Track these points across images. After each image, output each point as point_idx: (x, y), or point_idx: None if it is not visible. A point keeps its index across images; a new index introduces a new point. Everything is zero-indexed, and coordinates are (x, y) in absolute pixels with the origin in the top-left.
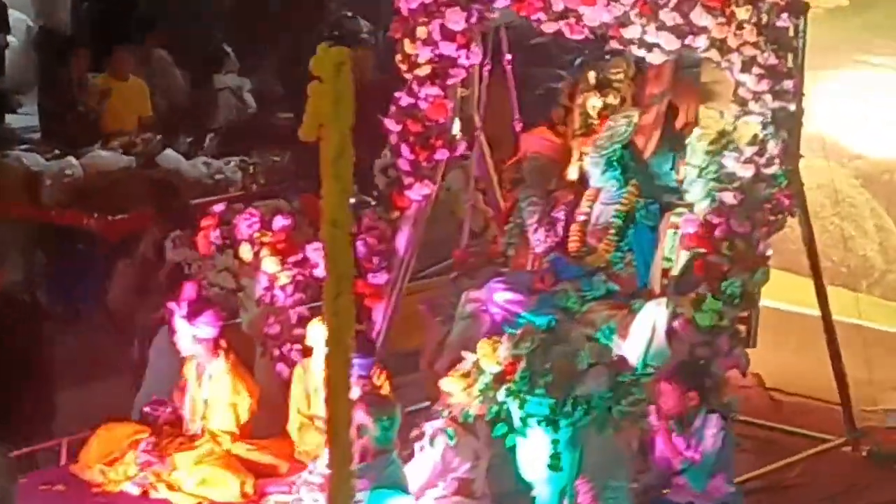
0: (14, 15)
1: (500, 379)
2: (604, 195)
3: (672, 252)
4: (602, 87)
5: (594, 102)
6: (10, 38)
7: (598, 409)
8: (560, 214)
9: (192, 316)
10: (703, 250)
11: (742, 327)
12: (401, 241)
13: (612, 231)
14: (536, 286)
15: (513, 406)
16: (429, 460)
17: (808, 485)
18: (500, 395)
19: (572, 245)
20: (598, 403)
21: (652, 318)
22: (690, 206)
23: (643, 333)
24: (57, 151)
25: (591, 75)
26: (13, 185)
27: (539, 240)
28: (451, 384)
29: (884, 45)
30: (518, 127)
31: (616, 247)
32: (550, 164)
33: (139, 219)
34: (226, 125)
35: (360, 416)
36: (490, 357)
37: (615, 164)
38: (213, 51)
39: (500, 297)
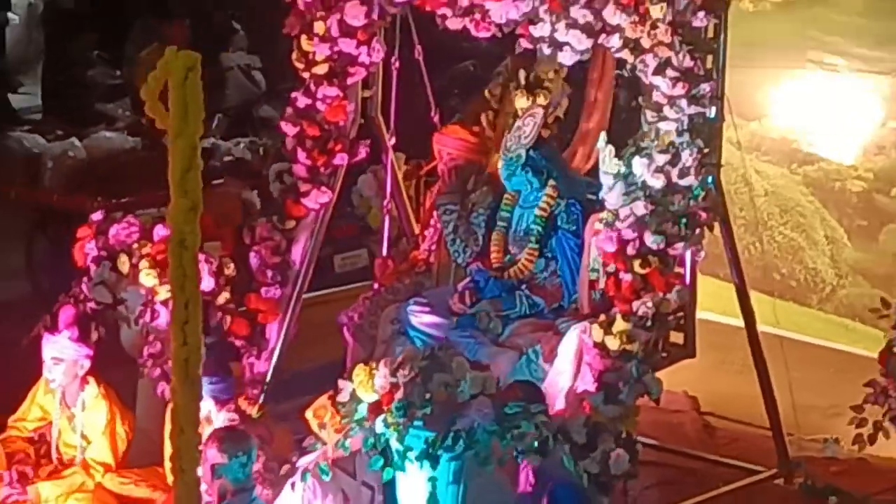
0: None
1: (376, 409)
2: (522, 199)
3: (597, 262)
4: (532, 87)
5: (521, 103)
6: (10, 16)
7: (482, 443)
8: (481, 220)
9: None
10: (614, 267)
11: (679, 335)
12: (297, 252)
13: (533, 239)
14: (456, 307)
15: (391, 438)
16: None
17: None
18: (377, 426)
19: (494, 256)
20: (482, 437)
21: (575, 341)
22: (615, 213)
23: (569, 359)
24: (59, 132)
25: (522, 74)
26: (13, 168)
27: (458, 251)
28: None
29: (834, 42)
30: (436, 120)
31: (538, 256)
32: (467, 164)
33: (145, 202)
34: (235, 105)
35: (212, 454)
36: (366, 385)
37: (526, 166)
38: (221, 27)
39: (417, 319)
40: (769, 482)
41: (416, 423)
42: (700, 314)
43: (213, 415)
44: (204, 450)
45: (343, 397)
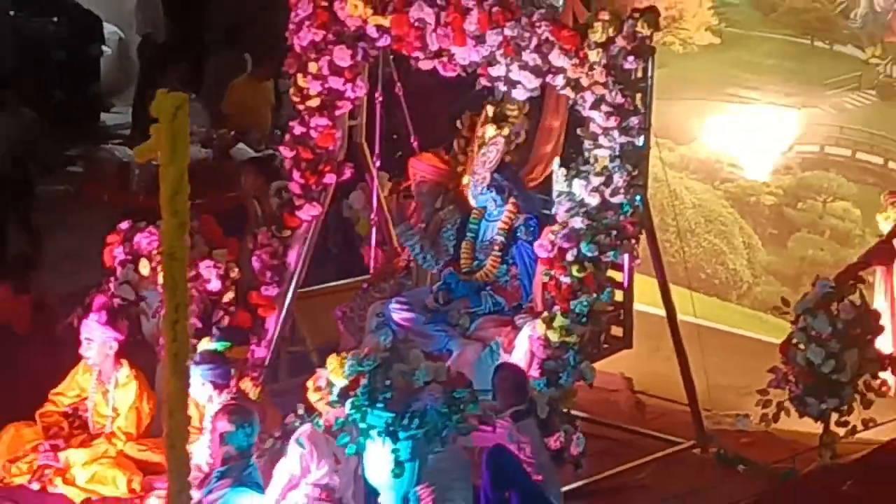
0: (108, 28)
1: (345, 393)
2: (487, 214)
3: None
4: (498, 119)
5: (490, 133)
6: (104, 48)
7: (433, 422)
8: (450, 234)
9: (107, 324)
10: (555, 272)
11: (619, 330)
12: (291, 257)
13: (497, 247)
14: (431, 305)
15: (357, 418)
16: (287, 464)
17: (656, 485)
18: (346, 407)
19: (464, 262)
20: (433, 418)
21: (528, 335)
22: (565, 224)
23: (523, 350)
24: None
25: (490, 109)
26: (107, 174)
27: (429, 263)
28: (312, 396)
29: (751, 79)
30: (415, 146)
31: (501, 261)
32: (436, 187)
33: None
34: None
35: (222, 424)
36: (337, 372)
37: (490, 186)
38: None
39: (397, 315)
40: (688, 452)
41: (377, 405)
42: (639, 307)
43: (215, 397)
44: (214, 421)
45: (320, 382)
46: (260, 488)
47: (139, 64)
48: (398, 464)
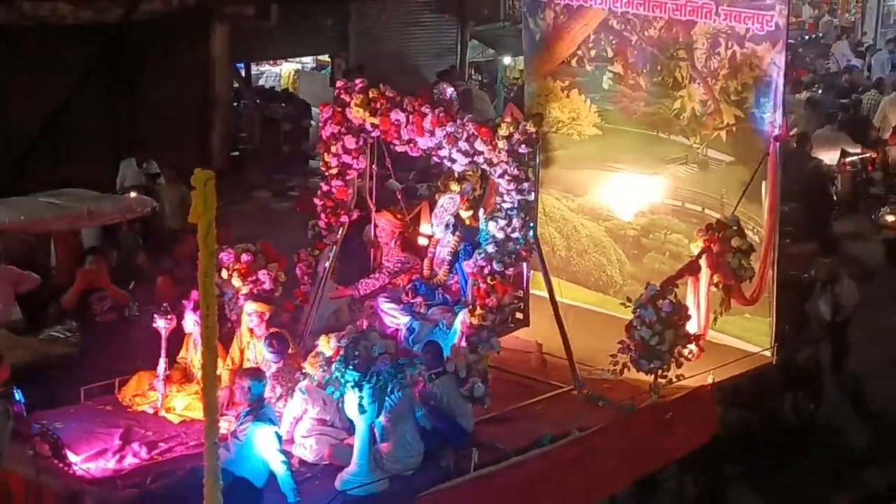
0: (314, 110)
1: (329, 359)
2: (441, 241)
3: None
4: (461, 179)
5: (454, 187)
6: (311, 122)
7: (384, 379)
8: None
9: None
10: (478, 281)
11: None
12: (320, 268)
13: (446, 264)
14: (404, 299)
15: (338, 376)
16: (293, 406)
17: (545, 414)
18: (331, 368)
19: (426, 272)
20: (384, 376)
21: (461, 320)
22: (484, 251)
23: (458, 328)
24: None
25: (455, 172)
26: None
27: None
28: (311, 361)
29: (621, 157)
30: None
31: (449, 272)
32: (391, 233)
33: None
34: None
35: (247, 381)
36: (326, 346)
37: (447, 224)
38: None
39: (383, 305)
40: (568, 393)
41: (349, 368)
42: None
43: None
44: (240, 380)
45: (316, 351)
46: (273, 422)
47: None
48: (362, 405)
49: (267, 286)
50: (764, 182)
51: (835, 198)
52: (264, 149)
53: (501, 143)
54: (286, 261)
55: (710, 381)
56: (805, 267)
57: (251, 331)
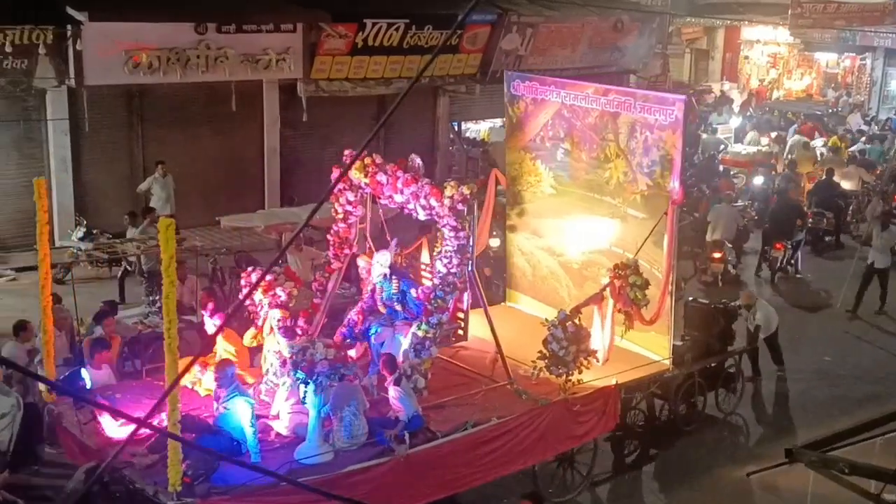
0: None
1: (285, 362)
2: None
3: None
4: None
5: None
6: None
7: (322, 378)
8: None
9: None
10: (427, 303)
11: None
12: (329, 285)
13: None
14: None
15: (295, 374)
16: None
17: (481, 402)
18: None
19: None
20: (322, 378)
21: (412, 332)
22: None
23: (409, 338)
24: None
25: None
26: None
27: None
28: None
29: (572, 211)
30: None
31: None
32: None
33: None
34: None
35: (228, 369)
36: (285, 349)
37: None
38: None
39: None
40: (503, 387)
41: (298, 369)
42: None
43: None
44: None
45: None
46: (246, 396)
47: None
48: (306, 397)
49: (283, 299)
50: (665, 234)
51: (851, 209)
52: (467, 177)
53: (447, 201)
54: (302, 281)
55: (614, 382)
56: None
57: (271, 328)
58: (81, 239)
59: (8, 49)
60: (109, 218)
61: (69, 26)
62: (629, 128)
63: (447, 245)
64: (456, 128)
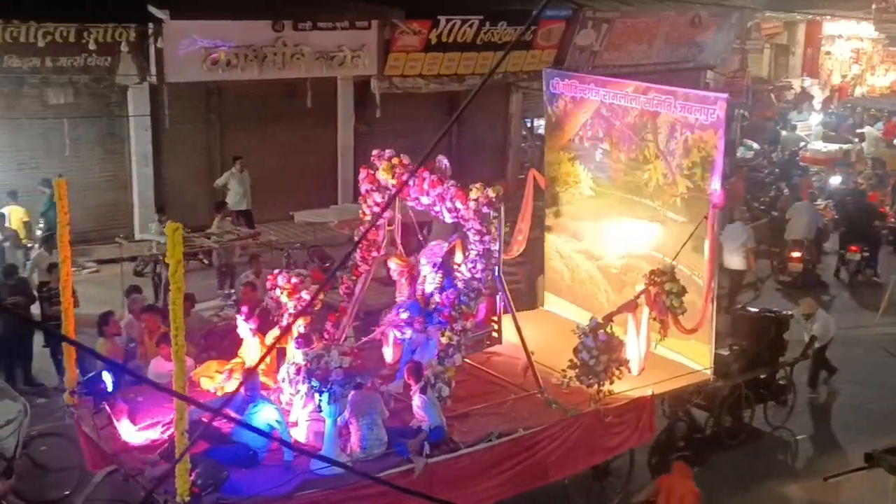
0: None
1: (299, 370)
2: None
3: None
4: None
5: None
6: None
7: (336, 387)
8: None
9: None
10: (450, 308)
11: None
12: (357, 288)
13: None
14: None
15: (311, 382)
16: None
17: (510, 411)
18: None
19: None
20: (336, 387)
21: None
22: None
23: (434, 344)
24: None
25: None
26: None
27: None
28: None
29: (610, 214)
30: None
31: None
32: (401, 273)
33: None
34: None
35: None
36: (298, 358)
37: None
38: None
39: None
40: (533, 395)
41: (313, 378)
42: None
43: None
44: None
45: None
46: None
47: None
48: (321, 405)
49: (304, 302)
50: (706, 239)
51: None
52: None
53: (472, 204)
54: (329, 285)
55: (649, 393)
56: None
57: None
58: (161, 233)
59: (92, 47)
60: (187, 212)
61: (150, 24)
62: (668, 128)
63: (472, 249)
64: (528, 125)
